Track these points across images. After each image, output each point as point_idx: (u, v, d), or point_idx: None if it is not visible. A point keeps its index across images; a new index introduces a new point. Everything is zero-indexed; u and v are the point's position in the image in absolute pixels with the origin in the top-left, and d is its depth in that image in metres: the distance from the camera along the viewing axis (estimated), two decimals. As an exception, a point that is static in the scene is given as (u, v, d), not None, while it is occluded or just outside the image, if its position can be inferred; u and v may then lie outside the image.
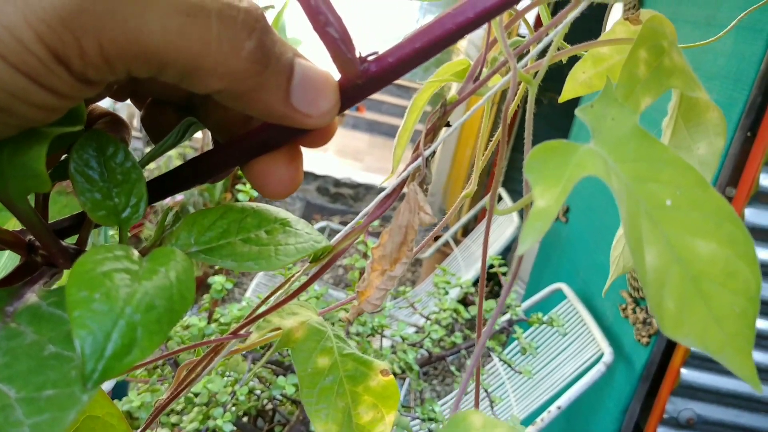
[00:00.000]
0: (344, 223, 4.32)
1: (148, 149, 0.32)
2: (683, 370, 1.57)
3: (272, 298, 0.29)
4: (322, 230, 3.48)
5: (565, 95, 0.28)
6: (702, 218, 0.20)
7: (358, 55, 0.22)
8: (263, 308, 0.31)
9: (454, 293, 1.37)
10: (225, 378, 0.95)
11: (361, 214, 0.26)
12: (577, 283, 2.19)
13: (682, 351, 1.58)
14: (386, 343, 1.51)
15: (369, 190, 4.95)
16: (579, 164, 0.21)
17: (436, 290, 1.20)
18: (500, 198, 3.13)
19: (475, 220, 3.44)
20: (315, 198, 4.85)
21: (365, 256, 1.17)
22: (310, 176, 5.18)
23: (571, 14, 0.23)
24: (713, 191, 0.20)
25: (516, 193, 3.31)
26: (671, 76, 0.23)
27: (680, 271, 0.20)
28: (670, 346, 1.63)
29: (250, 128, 0.24)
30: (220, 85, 0.21)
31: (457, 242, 3.31)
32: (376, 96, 7.42)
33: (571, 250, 2.38)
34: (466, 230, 3.59)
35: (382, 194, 0.25)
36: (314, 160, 5.68)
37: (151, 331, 0.18)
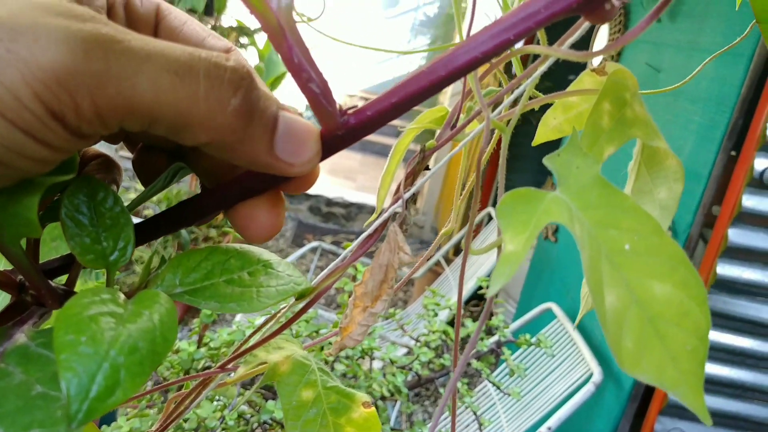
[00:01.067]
0: (336, 243, 4.32)
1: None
2: (672, 390, 1.59)
3: (258, 334, 0.30)
4: (313, 250, 3.48)
5: (538, 139, 0.30)
6: (658, 263, 0.21)
7: (338, 108, 0.23)
8: (254, 340, 0.32)
9: (444, 315, 1.38)
10: (214, 403, 0.95)
11: (342, 256, 0.27)
12: (566, 303, 2.20)
13: (670, 370, 1.59)
14: (377, 364, 1.52)
15: (361, 209, 4.96)
16: (545, 211, 0.22)
17: (426, 312, 1.21)
18: (491, 218, 3.16)
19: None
20: (307, 217, 4.86)
21: (354, 279, 1.18)
22: (302, 196, 5.19)
23: (541, 68, 0.25)
24: (668, 238, 0.21)
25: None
26: (633, 127, 0.25)
27: (638, 311, 0.21)
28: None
29: (235, 174, 0.25)
30: (207, 138, 0.22)
31: (449, 262, 3.32)
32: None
33: (561, 269, 2.39)
34: (458, 250, 3.60)
35: (364, 234, 0.27)
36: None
37: (134, 373, 0.19)
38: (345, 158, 6.55)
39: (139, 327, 0.20)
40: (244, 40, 3.87)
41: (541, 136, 0.30)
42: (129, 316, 0.20)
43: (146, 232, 0.25)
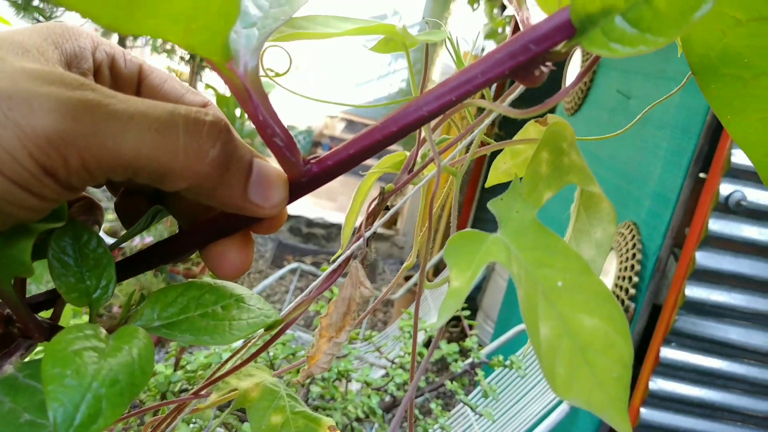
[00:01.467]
0: (316, 264, 4.33)
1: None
2: (642, 410, 1.62)
3: (233, 360, 0.32)
4: (293, 271, 3.49)
5: (490, 182, 0.33)
6: (587, 298, 0.24)
7: (302, 159, 0.26)
8: (231, 363, 0.34)
9: (420, 336, 1.40)
10: (190, 425, 0.96)
11: (311, 287, 0.30)
12: (542, 324, 2.23)
13: (641, 392, 1.62)
14: (355, 386, 1.53)
15: (342, 230, 4.97)
16: (487, 251, 0.25)
17: (402, 334, 1.23)
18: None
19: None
20: (287, 238, 4.86)
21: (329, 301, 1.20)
22: (282, 216, 5.19)
23: (487, 120, 0.28)
24: (595, 277, 0.24)
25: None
26: (569, 174, 0.27)
27: (569, 342, 0.24)
28: (630, 387, 1.67)
29: (209, 216, 0.28)
30: (186, 185, 0.24)
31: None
32: (349, 136, 7.49)
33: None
34: (438, 269, 3.63)
35: (328, 270, 0.29)
36: (286, 200, 5.69)
37: (115, 403, 0.21)
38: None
39: (119, 361, 0.22)
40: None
41: (492, 179, 0.33)
42: (110, 350, 0.22)
43: (127, 269, 0.28)
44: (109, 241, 3.31)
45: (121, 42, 3.70)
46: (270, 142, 0.25)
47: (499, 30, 3.90)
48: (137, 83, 0.30)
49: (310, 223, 4.92)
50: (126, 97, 0.23)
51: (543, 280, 0.24)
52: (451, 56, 0.32)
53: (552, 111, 2.55)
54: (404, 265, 0.33)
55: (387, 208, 0.30)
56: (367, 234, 0.29)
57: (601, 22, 0.22)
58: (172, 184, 0.24)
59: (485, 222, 3.67)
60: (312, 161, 0.26)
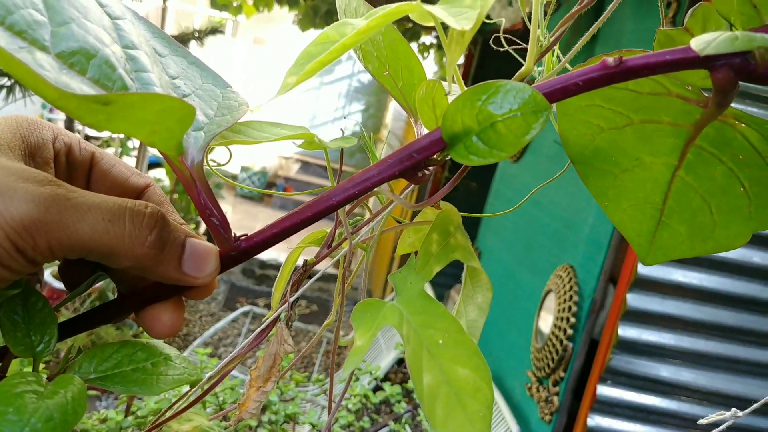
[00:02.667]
0: (269, 306, 4.32)
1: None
2: (582, 446, 1.69)
3: (171, 410, 0.37)
4: (246, 314, 3.49)
5: (399, 252, 0.39)
6: (461, 353, 0.30)
7: (233, 236, 0.32)
8: (180, 405, 0.39)
9: (365, 379, 1.45)
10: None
11: (239, 347, 0.35)
12: (489, 363, 2.29)
13: (580, 428, 1.70)
14: (306, 428, 1.56)
15: (295, 271, 4.98)
16: (384, 316, 0.31)
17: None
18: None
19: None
20: (240, 280, 4.85)
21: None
22: (235, 258, 5.17)
23: (389, 208, 0.34)
24: (467, 335, 0.30)
25: (437, 285, 3.45)
26: (455, 251, 0.34)
27: (447, 388, 0.30)
28: (569, 424, 1.74)
29: (146, 283, 0.33)
30: (129, 263, 0.30)
31: (379, 323, 3.38)
32: (304, 177, 7.59)
33: (484, 330, 2.50)
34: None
35: (257, 330, 0.35)
36: (240, 241, 5.68)
37: (49, 436, 0.26)
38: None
39: (55, 402, 0.27)
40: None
41: (400, 249, 0.39)
42: (48, 393, 0.27)
43: (72, 328, 0.33)
44: (56, 284, 3.26)
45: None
46: (208, 221, 0.30)
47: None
48: (89, 168, 0.36)
49: (263, 264, 4.92)
50: (84, 192, 0.29)
51: (427, 338, 0.31)
52: (367, 148, 0.38)
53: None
54: (324, 323, 0.39)
55: (310, 277, 0.36)
56: (292, 299, 0.35)
57: (463, 139, 0.29)
58: (118, 262, 0.29)
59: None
60: (241, 238, 0.32)
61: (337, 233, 0.36)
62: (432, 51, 4.15)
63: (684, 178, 0.35)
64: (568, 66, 0.41)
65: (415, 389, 0.30)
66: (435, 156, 0.30)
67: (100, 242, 0.28)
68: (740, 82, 0.28)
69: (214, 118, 0.32)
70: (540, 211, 2.12)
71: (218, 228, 0.31)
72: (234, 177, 7.32)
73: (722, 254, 1.62)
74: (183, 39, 3.81)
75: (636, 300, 1.61)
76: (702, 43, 0.26)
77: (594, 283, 1.72)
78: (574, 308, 1.76)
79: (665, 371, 1.67)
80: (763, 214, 0.36)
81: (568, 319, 1.77)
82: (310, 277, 0.36)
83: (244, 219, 6.38)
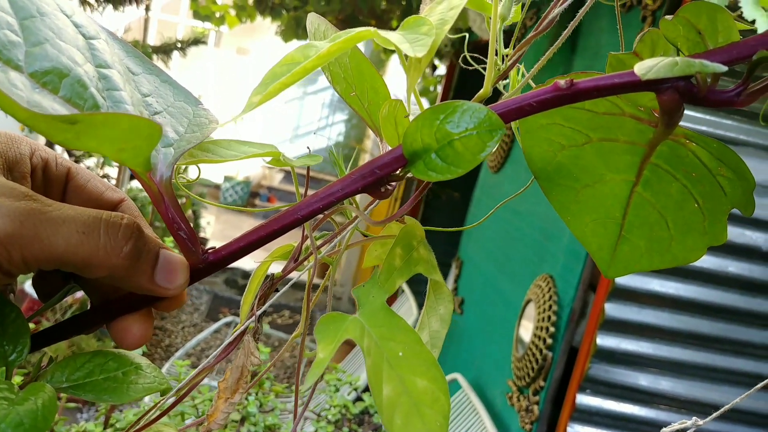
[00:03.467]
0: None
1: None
2: (562, 455, 1.70)
3: (143, 419, 0.38)
4: (228, 325, 3.48)
5: (366, 264, 0.40)
6: (419, 364, 0.31)
7: (201, 249, 0.32)
8: (155, 413, 0.39)
9: (346, 389, 1.45)
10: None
11: (211, 357, 0.36)
12: (471, 373, 2.31)
13: (560, 436, 1.71)
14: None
15: (263, 284, 4.96)
16: (346, 329, 0.32)
17: (327, 387, 1.29)
18: (403, 290, 3.27)
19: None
20: (222, 291, 4.83)
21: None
22: (219, 268, 5.15)
23: (351, 225, 0.35)
24: (425, 348, 0.31)
25: (418, 294, 3.46)
26: (417, 265, 0.35)
27: (407, 399, 0.31)
28: (550, 433, 1.76)
29: (117, 294, 0.34)
30: (103, 274, 0.30)
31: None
32: (287, 187, 7.58)
33: (466, 340, 2.51)
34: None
35: (226, 341, 0.36)
36: (223, 251, 5.66)
37: (19, 441, 0.27)
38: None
39: (26, 408, 0.28)
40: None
41: (367, 262, 0.40)
42: (19, 400, 0.28)
43: (45, 338, 0.33)
44: (36, 295, 3.23)
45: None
46: (176, 235, 0.31)
47: (431, 88, 4.08)
48: (65, 182, 0.36)
49: (246, 275, 4.90)
50: (60, 205, 0.29)
51: (388, 350, 0.31)
52: (335, 163, 0.39)
53: (478, 169, 2.69)
54: (292, 336, 0.40)
55: (277, 290, 0.37)
56: (258, 312, 0.36)
57: (423, 156, 0.30)
58: (93, 273, 0.30)
59: (420, 284, 3.77)
60: (209, 251, 0.33)
61: (303, 247, 0.37)
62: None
63: (642, 194, 0.37)
64: (531, 83, 0.42)
65: (375, 400, 0.31)
66: (397, 172, 0.31)
67: (74, 254, 0.29)
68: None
69: (184, 134, 0.33)
70: (520, 221, 2.14)
71: (186, 242, 0.32)
72: (217, 187, 7.30)
73: (698, 264, 1.65)
74: (166, 49, 3.81)
75: (614, 309, 1.63)
76: (644, 68, 0.27)
77: (573, 292, 1.73)
78: (554, 318, 1.78)
79: (644, 380, 1.69)
80: (716, 229, 0.37)
81: (547, 329, 1.79)
82: (278, 290, 0.37)
83: (227, 229, 6.35)
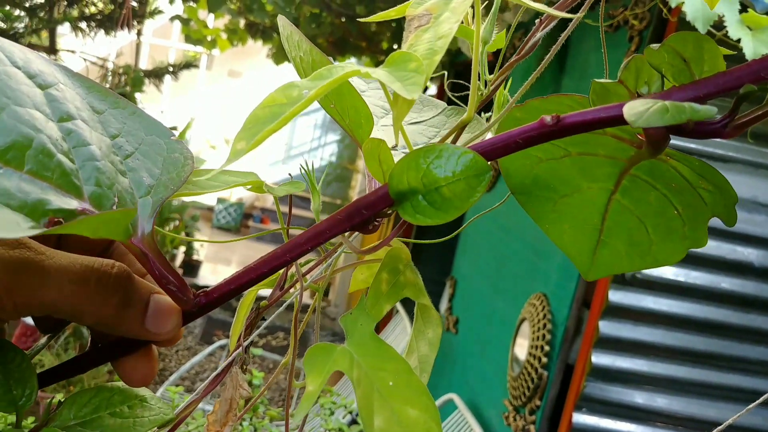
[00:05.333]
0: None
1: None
2: (559, 475, 1.68)
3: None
4: (222, 348, 3.45)
5: (352, 288, 0.40)
6: (411, 394, 0.31)
7: (192, 294, 0.32)
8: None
9: (340, 413, 1.44)
10: None
11: (198, 390, 0.35)
12: (467, 393, 2.30)
13: (557, 456, 1.70)
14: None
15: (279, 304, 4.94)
16: (334, 361, 0.31)
17: (322, 410, 1.27)
18: (398, 310, 3.25)
19: (378, 329, 3.51)
20: (216, 313, 4.80)
21: (250, 383, 1.23)
22: (212, 290, 5.12)
23: (336, 253, 0.35)
24: (416, 377, 0.31)
25: (412, 313, 3.45)
26: (404, 289, 0.35)
27: (399, 429, 0.31)
28: (547, 453, 1.74)
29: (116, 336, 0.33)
30: (95, 322, 0.30)
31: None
32: (282, 208, 7.56)
33: (462, 359, 2.50)
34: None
35: (214, 374, 0.35)
36: (216, 273, 5.65)
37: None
38: (257, 251, 6.54)
39: None
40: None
41: (353, 286, 0.40)
42: None
43: (49, 378, 0.33)
44: (30, 321, 3.21)
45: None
46: (166, 289, 0.31)
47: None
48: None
49: (240, 296, 4.87)
50: (53, 253, 0.29)
51: (378, 381, 0.31)
52: (312, 188, 0.39)
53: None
54: (281, 362, 0.40)
55: (263, 319, 0.36)
56: (246, 343, 0.35)
57: (410, 198, 0.29)
58: (84, 321, 0.30)
59: (413, 304, 3.76)
60: (201, 294, 0.32)
61: (289, 275, 0.37)
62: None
63: (620, 201, 0.37)
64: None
65: (366, 431, 0.30)
66: (384, 210, 0.31)
67: (66, 303, 0.29)
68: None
69: (160, 177, 0.32)
70: (512, 239, 2.14)
71: (176, 293, 0.32)
72: (210, 209, 7.29)
73: (692, 281, 1.65)
74: (157, 73, 3.82)
75: (608, 327, 1.62)
76: (634, 114, 0.27)
77: (566, 311, 1.73)
78: (548, 336, 1.77)
79: (640, 398, 1.68)
80: (697, 234, 0.37)
81: (542, 348, 1.78)
82: (264, 319, 0.36)
83: (221, 251, 6.34)
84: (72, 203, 0.27)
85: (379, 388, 0.31)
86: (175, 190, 0.31)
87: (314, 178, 0.39)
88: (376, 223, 0.31)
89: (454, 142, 0.35)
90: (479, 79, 0.34)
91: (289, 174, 0.40)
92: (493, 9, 0.35)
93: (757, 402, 0.66)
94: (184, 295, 0.31)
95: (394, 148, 0.38)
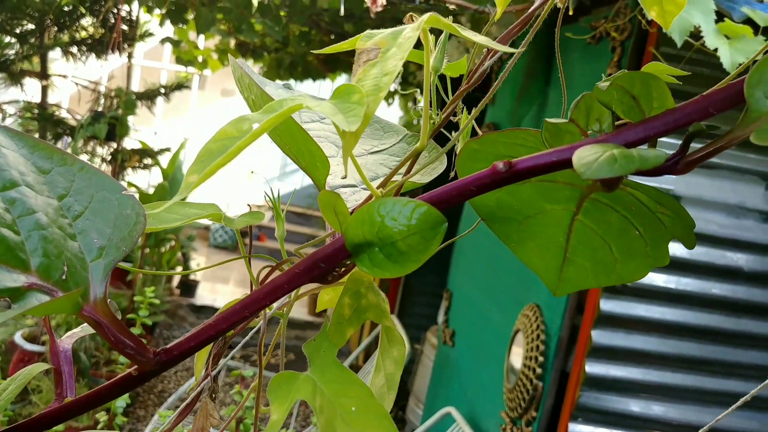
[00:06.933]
0: (245, 357, 4.27)
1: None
2: (558, 487, 1.68)
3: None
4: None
5: (318, 308, 0.41)
6: (373, 419, 0.32)
7: (152, 353, 0.32)
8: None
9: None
10: None
11: (168, 419, 0.36)
12: (465, 405, 2.29)
13: (555, 468, 1.69)
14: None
15: (270, 321, 4.93)
16: (297, 389, 0.32)
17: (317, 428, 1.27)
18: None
19: (376, 344, 3.50)
20: (214, 332, 4.77)
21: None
22: (209, 309, 5.12)
23: (305, 290, 0.36)
24: (377, 401, 0.32)
25: (408, 326, 3.45)
26: (367, 312, 0.36)
27: (362, 455, 0.31)
28: (544, 464, 1.74)
29: None
30: None
31: (357, 369, 3.35)
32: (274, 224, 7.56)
33: (459, 371, 2.50)
34: (367, 355, 3.65)
35: (183, 405, 0.36)
36: (214, 291, 5.64)
37: None
38: (253, 267, 6.52)
39: None
40: (148, 161, 3.94)
41: (320, 306, 0.41)
42: None
43: None
44: (27, 346, 3.20)
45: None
46: (124, 353, 0.31)
47: (414, 121, 4.12)
48: None
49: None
50: None
51: (341, 407, 0.32)
52: (277, 217, 0.40)
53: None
54: (251, 385, 0.40)
55: (231, 347, 0.37)
56: (214, 373, 0.36)
57: (368, 251, 0.30)
58: None
59: (408, 317, 3.76)
60: (161, 352, 0.32)
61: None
62: (396, 97, 4.22)
63: (583, 221, 0.38)
64: (475, 127, 0.44)
65: (329, 459, 0.31)
66: (343, 261, 0.31)
67: None
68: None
69: (111, 237, 0.31)
70: (504, 251, 2.14)
71: (134, 356, 0.31)
72: (207, 228, 7.28)
73: (683, 287, 1.66)
74: (150, 95, 3.84)
75: (601, 336, 1.63)
76: (583, 165, 0.27)
77: (559, 321, 1.74)
78: (542, 347, 1.78)
79: (635, 406, 1.68)
80: (658, 252, 0.38)
81: (536, 358, 1.79)
82: (231, 347, 0.37)
83: (219, 269, 6.32)
84: (19, 279, 0.27)
85: (342, 414, 0.32)
86: (128, 251, 0.30)
87: (279, 207, 0.40)
88: (335, 274, 0.32)
89: (408, 170, 0.35)
90: (431, 107, 0.34)
91: (248, 204, 0.40)
92: (441, 39, 0.36)
93: (735, 406, 0.67)
94: (142, 356, 0.31)
95: (352, 186, 0.39)
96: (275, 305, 0.38)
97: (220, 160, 0.28)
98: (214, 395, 0.36)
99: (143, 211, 0.31)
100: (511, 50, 0.30)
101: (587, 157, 0.26)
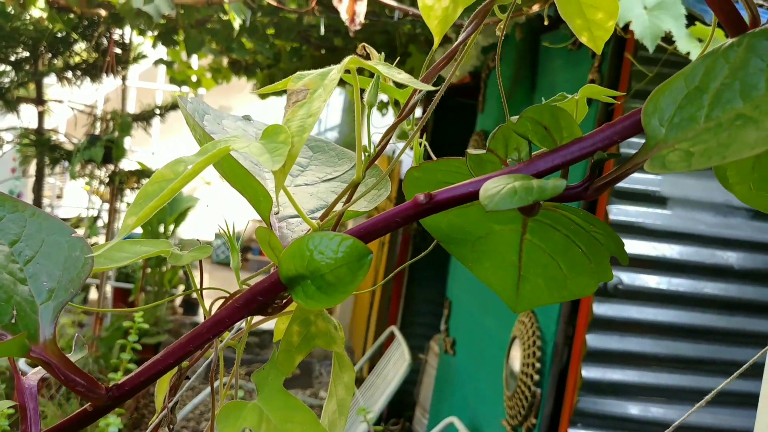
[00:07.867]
0: (249, 374, 4.27)
1: None
2: (559, 492, 1.68)
3: None
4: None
5: (275, 338, 0.42)
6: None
7: (104, 389, 0.33)
8: None
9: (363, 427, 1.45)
10: None
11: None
12: (467, 414, 2.30)
13: (555, 473, 1.70)
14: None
15: (263, 338, 4.94)
16: (244, 417, 0.33)
17: None
18: (395, 336, 3.26)
19: (380, 354, 3.50)
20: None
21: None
22: (214, 327, 5.12)
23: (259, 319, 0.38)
24: (321, 426, 0.33)
25: (412, 336, 3.46)
26: (316, 338, 0.37)
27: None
28: (545, 470, 1.74)
29: None
30: None
31: (360, 381, 3.36)
32: (279, 239, 7.58)
33: (460, 380, 2.50)
34: (371, 366, 3.65)
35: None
36: (218, 309, 5.64)
37: None
38: (255, 282, 6.54)
39: None
40: (145, 181, 3.96)
41: (276, 335, 0.42)
42: None
43: None
44: (28, 369, 3.21)
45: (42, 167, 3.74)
46: (76, 391, 0.32)
47: (410, 132, 4.13)
48: None
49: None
50: None
51: (287, 432, 0.33)
52: (230, 246, 0.41)
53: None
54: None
55: (188, 378, 0.38)
56: (170, 404, 0.37)
57: (301, 284, 0.31)
58: None
59: (410, 326, 3.77)
60: (113, 388, 0.34)
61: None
62: (389, 107, 4.24)
63: (531, 240, 0.39)
64: (427, 148, 0.45)
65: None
66: (281, 293, 0.33)
67: None
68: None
69: (60, 280, 0.32)
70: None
71: (86, 392, 0.32)
72: (209, 244, 7.30)
73: (674, 288, 1.66)
74: (145, 116, 3.87)
75: (595, 340, 1.64)
76: (486, 198, 0.28)
77: (554, 326, 1.74)
78: (539, 353, 1.78)
79: (634, 409, 1.69)
80: (602, 267, 0.39)
81: (533, 365, 1.79)
82: (188, 378, 0.38)
83: (221, 285, 6.32)
84: None
85: (288, 439, 0.33)
86: (76, 292, 0.31)
87: (234, 240, 0.41)
88: (276, 306, 0.33)
89: (348, 200, 0.37)
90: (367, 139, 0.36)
91: (198, 239, 0.42)
92: (373, 81, 0.37)
93: (705, 400, 0.68)
94: (94, 392, 0.32)
95: (294, 215, 0.40)
96: (228, 335, 0.39)
97: (155, 201, 0.29)
98: (171, 426, 0.37)
99: (90, 251, 0.32)
100: (431, 88, 0.32)
101: (491, 189, 0.27)
